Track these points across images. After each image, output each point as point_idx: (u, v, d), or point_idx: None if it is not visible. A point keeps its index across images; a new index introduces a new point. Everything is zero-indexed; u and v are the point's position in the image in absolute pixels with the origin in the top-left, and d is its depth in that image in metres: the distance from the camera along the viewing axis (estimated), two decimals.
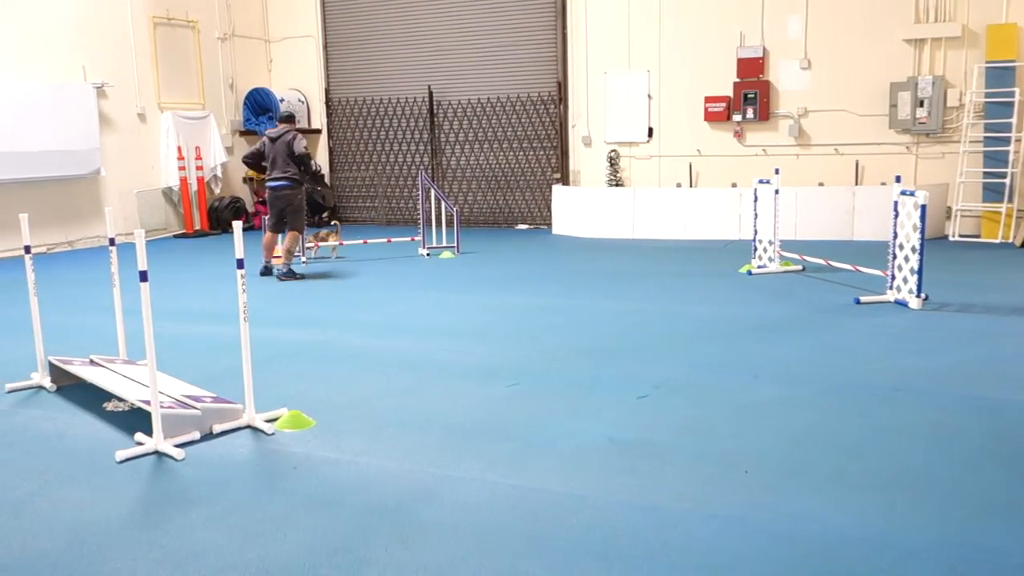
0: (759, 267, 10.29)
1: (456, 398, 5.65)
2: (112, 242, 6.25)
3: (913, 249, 7.91)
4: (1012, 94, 12.20)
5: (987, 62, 12.46)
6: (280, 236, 10.82)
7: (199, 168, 15.51)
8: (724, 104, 14.08)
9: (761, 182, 10.46)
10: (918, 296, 7.94)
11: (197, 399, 5.18)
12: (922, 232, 7.84)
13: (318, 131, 17.27)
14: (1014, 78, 12.27)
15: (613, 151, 14.99)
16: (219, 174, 16.10)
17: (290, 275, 10.45)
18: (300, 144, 10.31)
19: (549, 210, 15.46)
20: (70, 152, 13.45)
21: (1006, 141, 12.29)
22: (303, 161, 10.31)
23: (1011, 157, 12.25)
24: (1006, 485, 4.11)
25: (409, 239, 13.13)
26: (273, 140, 10.37)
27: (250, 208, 16.73)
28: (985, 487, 4.09)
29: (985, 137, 12.53)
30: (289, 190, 10.37)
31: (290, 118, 10.69)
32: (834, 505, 3.91)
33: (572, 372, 6.23)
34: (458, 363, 6.51)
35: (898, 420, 5.04)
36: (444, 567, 3.45)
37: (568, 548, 3.58)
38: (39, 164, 13.04)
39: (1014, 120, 12.17)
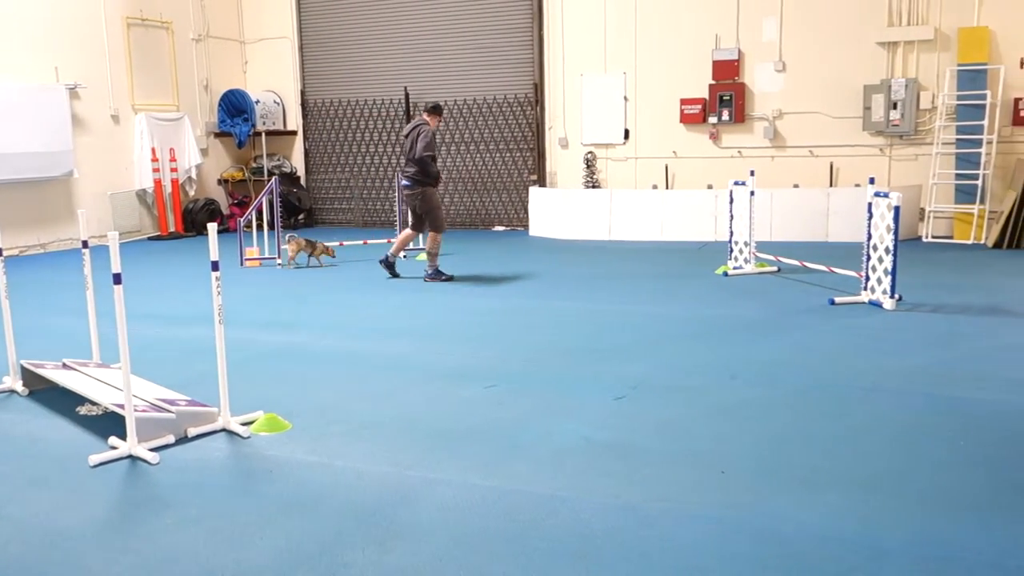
0: (735, 268, 10.34)
1: (433, 400, 5.64)
2: (85, 244, 6.19)
3: (887, 250, 7.98)
4: (983, 96, 12.34)
5: (959, 65, 12.60)
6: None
7: (173, 170, 15.40)
8: (700, 106, 14.14)
9: (736, 184, 10.52)
10: (892, 297, 8.01)
11: (172, 402, 5.14)
12: (895, 233, 7.91)
13: (293, 133, 17.19)
14: (985, 81, 12.41)
15: (590, 153, 15.03)
16: (194, 176, 15.98)
17: (436, 276, 10.23)
18: (421, 144, 9.89)
19: (526, 211, 15.47)
20: (42, 154, 13.29)
21: (978, 143, 12.43)
22: (421, 163, 9.97)
23: (983, 159, 12.39)
24: (979, 484, 4.15)
25: (386, 241, 13.10)
26: (406, 135, 10.18)
27: (225, 210, 16.62)
28: (958, 486, 4.13)
29: (957, 139, 12.67)
30: (409, 190, 10.17)
31: (435, 109, 10.19)
32: (810, 505, 3.94)
33: (549, 373, 6.23)
34: (435, 365, 6.50)
35: (873, 420, 5.08)
36: (422, 569, 3.44)
37: (546, 549, 3.58)
38: (11, 166, 12.89)
39: (985, 122, 12.31)
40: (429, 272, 10.28)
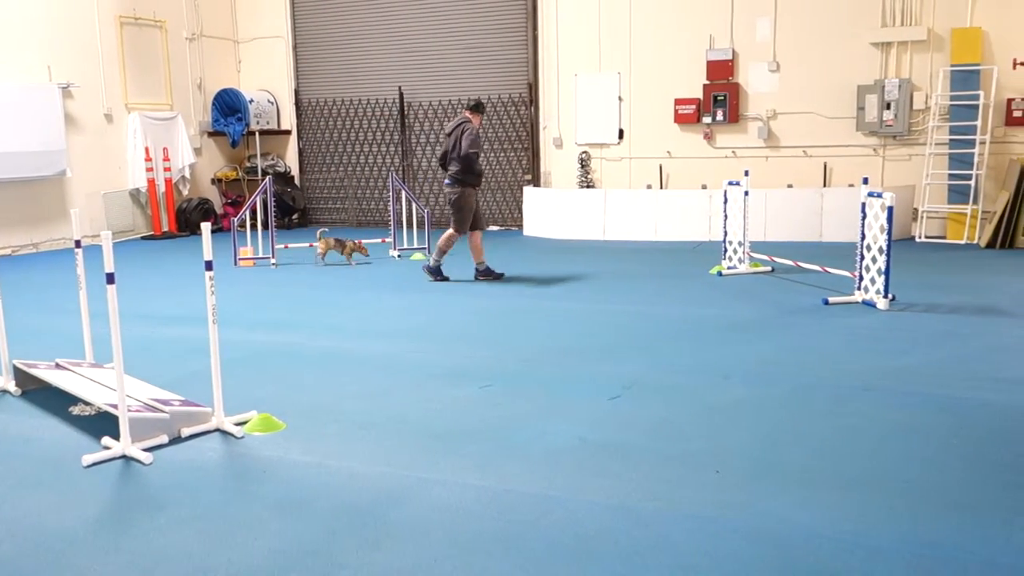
0: (729, 268, 10.35)
1: (428, 400, 5.64)
2: (78, 244, 6.17)
3: (880, 250, 8.00)
4: (976, 97, 12.38)
5: (952, 65, 12.63)
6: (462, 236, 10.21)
7: (167, 169, 15.36)
8: (694, 106, 14.16)
9: (731, 184, 10.53)
10: (885, 297, 8.03)
11: (165, 402, 5.13)
12: (889, 233, 7.93)
13: (287, 132, 17.16)
14: (978, 81, 12.45)
15: (584, 153, 15.03)
16: (187, 175, 15.96)
17: (435, 273, 10.16)
18: (466, 141, 9.69)
19: (520, 211, 15.48)
20: (35, 153, 13.25)
21: (971, 143, 12.46)
22: (466, 160, 9.75)
23: (976, 159, 12.43)
24: (971, 483, 4.16)
25: (380, 240, 13.09)
26: (448, 133, 9.97)
27: (219, 210, 16.60)
28: (951, 485, 4.14)
29: (950, 139, 12.71)
30: (448, 188, 10.00)
31: (477, 106, 10.04)
32: (803, 504, 3.94)
33: (544, 373, 6.23)
34: (430, 365, 6.49)
35: (866, 419, 5.09)
36: (416, 570, 3.43)
37: (541, 549, 3.57)
38: (3, 165, 12.84)
39: (978, 123, 12.35)
40: (431, 265, 10.23)
